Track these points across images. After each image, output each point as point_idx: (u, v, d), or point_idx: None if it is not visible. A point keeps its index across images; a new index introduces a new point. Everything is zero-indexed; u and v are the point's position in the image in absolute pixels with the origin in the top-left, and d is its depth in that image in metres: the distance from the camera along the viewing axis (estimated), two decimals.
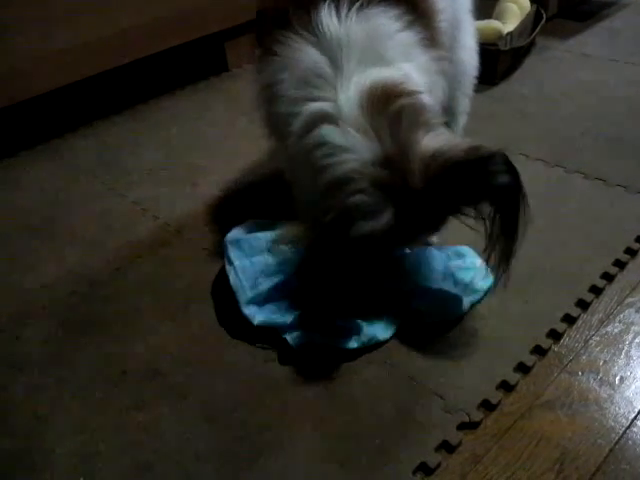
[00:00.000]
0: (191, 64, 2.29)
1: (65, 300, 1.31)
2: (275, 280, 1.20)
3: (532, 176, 1.59)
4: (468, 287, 1.21)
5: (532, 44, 2.25)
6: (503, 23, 2.07)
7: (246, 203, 1.56)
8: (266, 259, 1.21)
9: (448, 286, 1.20)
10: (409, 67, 1.10)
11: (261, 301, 1.20)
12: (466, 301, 1.19)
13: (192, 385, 1.11)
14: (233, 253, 1.23)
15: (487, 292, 1.23)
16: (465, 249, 1.30)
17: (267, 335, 1.17)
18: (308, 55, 1.07)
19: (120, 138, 1.91)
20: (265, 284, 1.20)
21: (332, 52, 1.06)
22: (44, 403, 1.10)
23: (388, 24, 1.09)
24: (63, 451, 1.02)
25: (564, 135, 1.76)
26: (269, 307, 1.20)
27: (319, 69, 1.06)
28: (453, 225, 1.31)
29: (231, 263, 1.22)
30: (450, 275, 1.22)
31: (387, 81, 1.04)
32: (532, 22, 2.23)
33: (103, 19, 1.82)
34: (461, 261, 1.28)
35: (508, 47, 2.04)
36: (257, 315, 1.18)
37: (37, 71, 1.74)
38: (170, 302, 1.29)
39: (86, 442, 1.03)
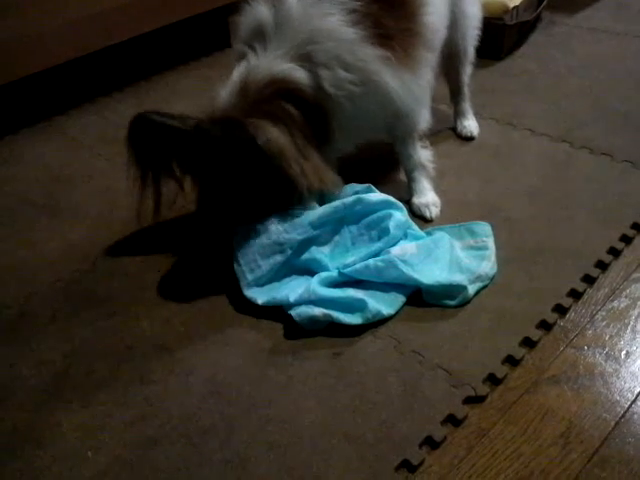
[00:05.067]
0: (194, 39, 2.27)
1: (70, 276, 1.31)
2: (272, 261, 1.20)
3: (538, 151, 1.58)
4: (474, 274, 1.20)
5: (538, 18, 2.23)
6: None
7: None
8: (261, 240, 1.21)
9: (453, 275, 1.19)
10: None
11: (261, 283, 1.20)
12: (471, 288, 1.19)
13: (198, 360, 1.12)
14: (236, 243, 1.24)
15: (492, 278, 1.22)
16: (479, 226, 1.30)
17: (272, 311, 1.17)
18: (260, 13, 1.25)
19: (123, 114, 1.88)
20: (264, 266, 1.20)
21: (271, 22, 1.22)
22: (50, 378, 1.10)
23: (333, 19, 1.19)
24: (70, 425, 1.02)
25: (570, 110, 1.75)
26: (270, 287, 1.20)
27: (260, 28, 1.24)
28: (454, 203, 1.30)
29: (235, 256, 1.23)
30: (456, 263, 1.21)
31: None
32: None
33: None
34: (473, 240, 1.27)
35: (514, 21, 2.02)
36: (259, 296, 1.18)
37: (40, 46, 1.72)
38: (176, 278, 1.29)
39: (92, 416, 1.03)
